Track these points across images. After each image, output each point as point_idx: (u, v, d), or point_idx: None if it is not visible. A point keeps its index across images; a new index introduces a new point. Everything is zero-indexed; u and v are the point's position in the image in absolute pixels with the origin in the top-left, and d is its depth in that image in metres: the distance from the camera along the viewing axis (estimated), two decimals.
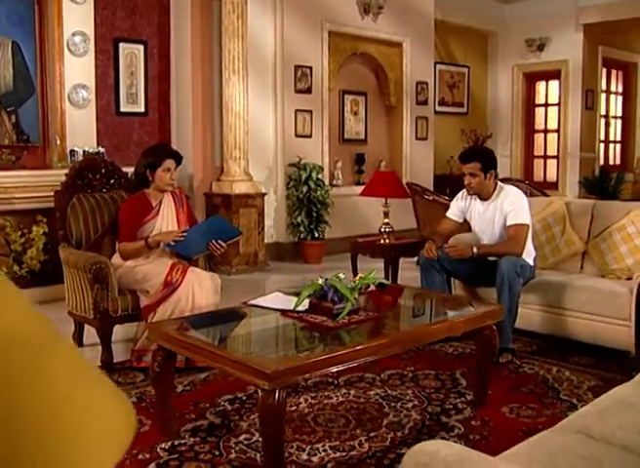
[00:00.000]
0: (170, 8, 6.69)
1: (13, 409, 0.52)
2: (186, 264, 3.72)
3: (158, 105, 6.73)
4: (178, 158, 3.88)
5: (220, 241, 3.74)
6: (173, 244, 3.65)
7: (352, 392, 3.28)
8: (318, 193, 7.12)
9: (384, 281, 3.27)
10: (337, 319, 2.74)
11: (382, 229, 5.26)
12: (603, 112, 11.05)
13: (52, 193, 4.27)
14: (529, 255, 3.97)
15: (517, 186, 4.23)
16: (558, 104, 10.59)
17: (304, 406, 3.10)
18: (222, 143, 6.67)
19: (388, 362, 3.53)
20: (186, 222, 3.90)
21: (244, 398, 3.20)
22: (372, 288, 2.93)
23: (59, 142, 5.55)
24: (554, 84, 10.70)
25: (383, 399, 3.20)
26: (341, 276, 2.88)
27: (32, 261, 5.15)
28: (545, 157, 11.02)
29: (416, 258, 6.03)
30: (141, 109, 6.57)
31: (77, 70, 5.65)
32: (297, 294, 3.00)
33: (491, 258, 3.93)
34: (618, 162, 11.66)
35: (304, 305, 2.85)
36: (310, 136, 7.45)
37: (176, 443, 2.69)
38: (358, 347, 2.49)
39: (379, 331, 2.89)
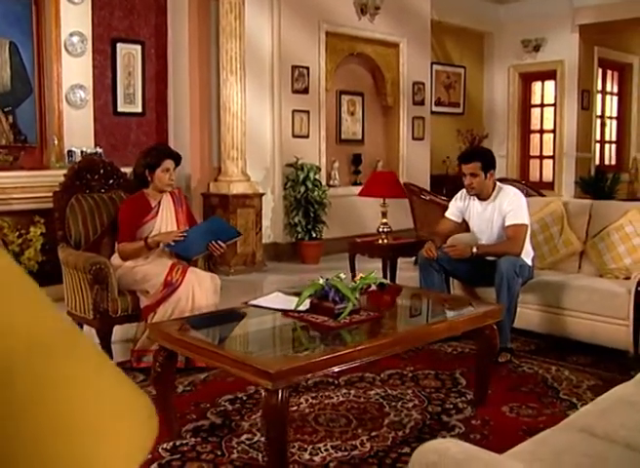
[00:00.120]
0: (167, 8, 6.68)
1: (37, 411, 0.52)
2: (186, 265, 3.72)
3: (155, 106, 6.72)
4: (177, 158, 3.88)
5: (219, 242, 3.74)
6: (172, 244, 3.65)
7: (353, 392, 3.29)
8: (315, 193, 7.13)
9: (385, 281, 3.28)
10: (338, 319, 2.74)
11: (381, 229, 5.27)
12: (599, 112, 11.08)
13: (49, 194, 4.26)
14: (527, 255, 3.98)
15: (514, 186, 4.25)
16: (554, 105, 10.62)
17: (305, 406, 3.10)
18: (220, 144, 6.67)
19: (388, 362, 3.54)
20: (185, 222, 3.90)
21: (244, 398, 3.20)
22: (373, 288, 2.94)
23: (56, 143, 5.54)
24: (550, 84, 10.73)
25: (384, 398, 3.21)
26: (342, 276, 2.88)
27: (30, 262, 5.14)
28: (541, 157, 11.05)
29: (413, 258, 6.08)
30: (139, 109, 6.57)
31: (75, 71, 5.64)
32: (297, 295, 3.00)
33: (489, 258, 3.95)
34: (613, 162, 11.70)
35: (305, 305, 2.86)
36: (307, 137, 7.46)
37: (177, 443, 2.69)
38: (360, 347, 2.49)
39: (380, 330, 2.90)
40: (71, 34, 5.57)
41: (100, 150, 5.56)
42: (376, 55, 8.23)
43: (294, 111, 7.28)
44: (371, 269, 3.83)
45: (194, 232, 3.71)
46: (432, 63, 9.45)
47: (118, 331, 3.85)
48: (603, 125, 11.31)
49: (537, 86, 11.04)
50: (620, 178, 10.44)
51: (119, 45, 6.35)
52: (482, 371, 3.13)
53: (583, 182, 10.04)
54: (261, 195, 6.78)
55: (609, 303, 3.75)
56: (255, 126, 6.91)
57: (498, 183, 4.05)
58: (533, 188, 6.78)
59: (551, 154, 10.78)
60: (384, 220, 5.29)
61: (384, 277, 4.99)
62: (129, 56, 6.43)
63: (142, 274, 3.64)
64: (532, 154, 11.14)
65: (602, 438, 1.76)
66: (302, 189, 7.06)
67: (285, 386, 2.16)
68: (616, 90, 11.71)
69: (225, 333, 2.97)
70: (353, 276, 4.37)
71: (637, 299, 3.62)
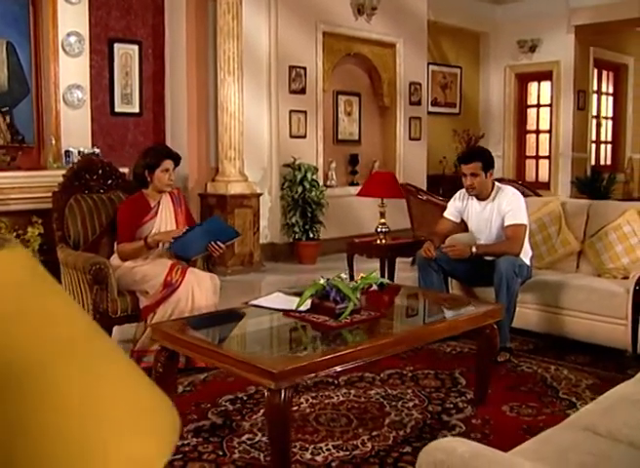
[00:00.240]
0: (164, 8, 6.68)
1: (63, 408, 0.52)
2: (185, 265, 3.72)
3: (153, 106, 6.72)
4: (176, 159, 3.88)
5: (218, 242, 3.74)
6: (172, 241, 3.64)
7: (353, 392, 3.29)
8: (313, 194, 7.13)
9: (386, 281, 3.28)
10: (339, 319, 2.75)
11: (379, 229, 5.27)
12: (594, 113, 11.13)
13: (47, 194, 4.26)
14: (526, 255, 3.99)
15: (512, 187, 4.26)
16: (550, 105, 10.65)
17: (306, 405, 3.11)
18: (217, 144, 6.67)
19: (388, 361, 3.54)
20: (185, 223, 3.90)
21: (245, 398, 3.21)
22: (374, 287, 2.94)
23: (54, 143, 5.53)
24: (546, 85, 10.76)
25: (384, 398, 3.21)
26: (343, 276, 2.89)
27: None
28: (537, 157, 11.08)
29: (410, 259, 6.09)
30: (136, 110, 6.56)
31: (72, 71, 5.63)
32: (297, 295, 3.01)
33: (488, 258, 3.96)
34: (609, 162, 11.75)
35: (306, 305, 2.86)
36: (305, 137, 7.46)
37: (179, 443, 2.69)
38: (362, 347, 2.50)
39: (381, 330, 2.91)
40: (69, 34, 5.56)
41: (97, 150, 5.55)
42: (372, 55, 8.24)
43: (291, 111, 7.28)
44: (368, 269, 3.84)
45: (193, 232, 3.71)
46: (429, 64, 9.47)
47: (118, 332, 3.85)
48: (599, 125, 11.35)
49: (533, 86, 11.08)
50: (615, 178, 10.48)
51: (116, 45, 6.34)
52: (482, 371, 3.14)
53: (579, 182, 10.07)
54: (259, 195, 6.78)
55: (607, 303, 3.77)
56: (252, 126, 6.91)
57: (496, 183, 4.06)
58: (529, 188, 6.78)
59: (547, 154, 10.81)
60: (383, 220, 5.29)
61: (382, 277, 5.00)
62: (126, 56, 6.42)
63: (142, 274, 3.64)
64: (528, 154, 11.18)
65: (605, 436, 1.77)
66: (300, 189, 7.06)
67: (288, 386, 2.16)
68: (611, 90, 11.76)
69: (228, 334, 2.98)
70: (352, 276, 4.38)
71: (635, 299, 3.63)
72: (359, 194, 5.58)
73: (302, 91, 7.38)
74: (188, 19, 6.62)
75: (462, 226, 4.33)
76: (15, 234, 5.12)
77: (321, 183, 7.41)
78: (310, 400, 3.17)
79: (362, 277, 2.95)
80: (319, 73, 7.55)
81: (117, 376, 0.60)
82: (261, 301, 3.10)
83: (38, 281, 0.60)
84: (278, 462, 2.27)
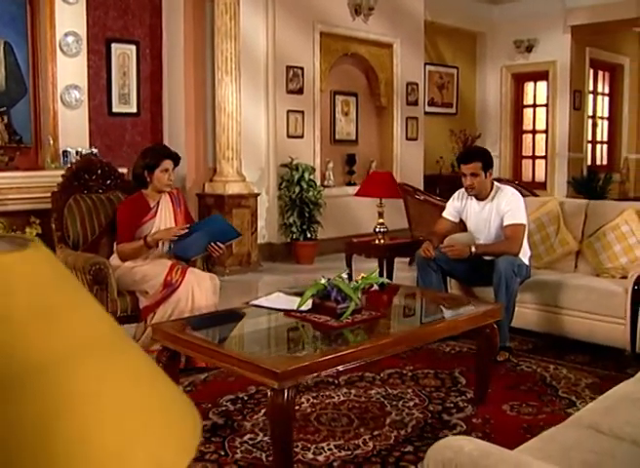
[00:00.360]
0: (162, 8, 6.68)
1: (83, 413, 0.52)
2: (185, 265, 3.72)
3: (150, 106, 6.71)
4: (175, 159, 3.88)
5: (218, 243, 3.74)
6: (174, 244, 3.64)
7: (353, 391, 3.30)
8: (310, 194, 7.13)
9: (386, 280, 3.29)
10: (340, 318, 2.75)
11: (377, 229, 5.27)
12: (590, 113, 11.16)
13: (45, 194, 4.25)
14: (524, 255, 4.01)
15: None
16: (546, 105, 10.68)
17: (307, 405, 3.11)
18: (215, 144, 6.67)
19: (387, 361, 3.55)
20: (184, 223, 3.89)
21: (245, 398, 3.21)
22: (375, 287, 2.95)
23: (51, 143, 5.52)
24: (542, 85, 10.79)
25: (385, 398, 3.22)
26: (344, 276, 2.89)
27: None
28: (534, 157, 11.11)
29: (408, 259, 6.10)
30: (134, 110, 6.56)
31: (69, 71, 5.63)
32: (298, 294, 3.01)
33: (487, 258, 3.97)
34: (604, 162, 11.79)
35: (308, 305, 2.87)
36: (302, 137, 7.46)
37: None
38: (364, 346, 2.51)
39: (383, 330, 2.91)
40: (66, 34, 5.56)
41: (95, 151, 5.55)
42: (369, 55, 8.25)
43: (288, 111, 7.28)
44: (366, 269, 3.84)
45: (196, 234, 3.70)
46: (425, 64, 9.48)
47: None
48: (594, 125, 11.39)
49: (529, 86, 11.10)
50: (611, 178, 10.51)
51: (114, 45, 6.34)
52: (482, 370, 3.15)
53: (576, 182, 10.10)
54: (257, 195, 6.78)
55: (606, 302, 3.78)
56: (249, 126, 6.91)
57: (495, 183, 4.08)
58: (526, 188, 6.81)
59: (544, 154, 10.84)
60: (381, 220, 5.30)
61: (381, 277, 5.01)
62: (124, 56, 6.42)
63: (142, 274, 3.64)
64: (524, 154, 11.21)
65: (608, 435, 1.78)
66: (297, 189, 7.06)
67: (291, 386, 2.17)
68: (607, 90, 11.79)
69: (230, 333, 2.98)
70: (350, 276, 4.38)
71: (634, 298, 3.65)
72: (357, 194, 5.59)
73: (300, 91, 7.38)
74: (186, 19, 6.62)
75: (461, 226, 4.34)
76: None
77: (318, 183, 7.41)
78: (311, 400, 3.18)
79: (363, 277, 2.96)
80: (316, 73, 7.55)
81: (138, 376, 0.60)
82: (262, 301, 3.10)
83: (61, 279, 0.60)
84: (281, 462, 2.27)
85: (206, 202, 6.67)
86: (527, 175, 11.10)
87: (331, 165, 7.95)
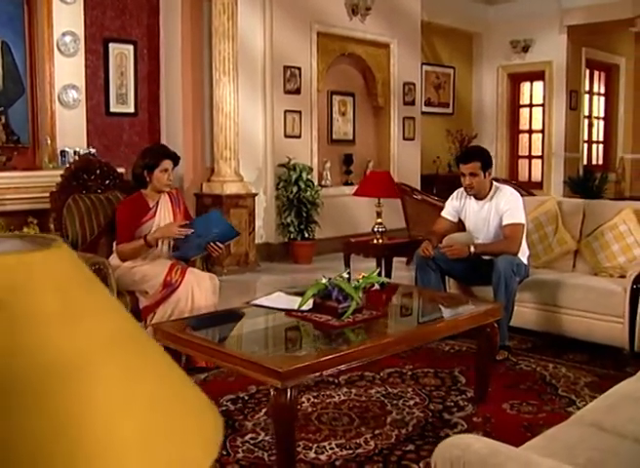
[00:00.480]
0: (159, 8, 6.67)
1: (108, 412, 0.52)
2: (185, 265, 3.72)
3: (148, 106, 6.71)
4: (175, 159, 3.87)
5: (217, 243, 3.74)
6: (181, 238, 3.63)
7: (353, 391, 3.31)
8: (308, 193, 7.13)
9: (386, 280, 3.30)
10: (342, 318, 2.76)
11: (376, 229, 5.28)
12: (586, 113, 11.19)
13: (43, 194, 4.24)
14: (523, 254, 4.02)
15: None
16: (542, 105, 10.71)
17: (307, 405, 3.12)
18: (213, 144, 6.67)
19: (387, 360, 3.55)
20: None
21: (246, 398, 3.21)
22: (376, 287, 2.96)
23: (49, 143, 5.51)
24: (538, 85, 10.81)
25: (385, 397, 3.23)
26: (345, 275, 2.90)
27: None
28: (530, 157, 11.14)
29: (405, 258, 6.11)
30: (131, 110, 6.55)
31: (67, 70, 5.63)
32: (298, 294, 3.01)
33: (486, 257, 3.98)
34: (600, 162, 11.82)
35: (308, 305, 2.87)
36: (299, 137, 7.46)
37: None
38: (366, 346, 2.51)
39: (384, 329, 2.92)
40: (64, 34, 5.55)
41: (93, 150, 5.54)
42: (366, 55, 8.25)
43: (286, 111, 7.28)
44: (364, 269, 3.86)
45: (194, 225, 3.68)
46: (422, 64, 9.49)
47: None
48: (590, 125, 11.42)
49: (525, 86, 11.13)
50: (607, 178, 10.55)
51: (111, 45, 6.33)
52: (482, 369, 3.15)
53: (572, 182, 10.13)
54: (254, 195, 6.78)
55: (604, 301, 3.79)
56: (247, 126, 6.91)
57: (494, 183, 4.09)
58: (522, 188, 6.82)
59: (540, 154, 10.87)
60: (379, 220, 5.31)
61: (379, 276, 5.01)
62: (121, 56, 6.41)
63: (141, 274, 3.63)
64: (520, 154, 11.23)
65: (611, 432, 1.79)
66: (295, 189, 7.06)
67: (294, 385, 2.17)
68: (603, 90, 11.83)
69: (232, 333, 2.98)
70: (349, 276, 4.39)
71: (633, 297, 3.66)
72: (355, 194, 5.59)
73: (297, 91, 7.39)
74: (183, 19, 6.61)
75: (460, 226, 4.34)
76: None
77: (316, 183, 7.42)
78: (312, 399, 3.18)
79: (364, 276, 2.96)
80: (314, 73, 7.56)
81: (161, 375, 0.61)
82: (263, 301, 3.10)
83: (83, 279, 0.60)
84: (283, 461, 2.28)
85: (204, 202, 6.67)
86: (523, 175, 11.13)
87: (328, 165, 7.96)
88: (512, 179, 9.80)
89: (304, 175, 7.11)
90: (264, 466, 2.54)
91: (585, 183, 9.99)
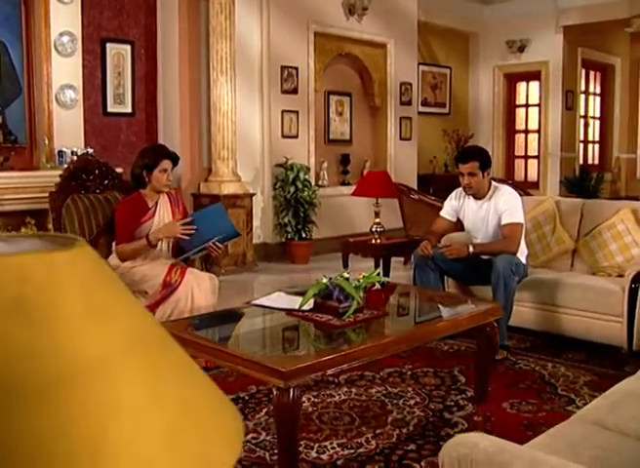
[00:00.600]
0: (157, 8, 6.67)
1: (130, 412, 0.53)
2: (184, 265, 3.72)
3: (145, 106, 6.70)
4: (174, 159, 3.87)
5: (217, 243, 3.74)
6: (186, 238, 3.62)
7: (354, 390, 3.31)
8: (305, 193, 7.14)
9: (387, 279, 3.30)
10: (343, 317, 2.76)
11: (374, 229, 5.29)
12: (582, 113, 11.23)
13: (40, 194, 4.24)
14: (521, 254, 4.03)
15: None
16: (539, 105, 10.74)
17: (308, 404, 3.12)
18: (210, 144, 6.66)
19: (387, 360, 3.55)
20: None
21: (247, 398, 3.21)
22: (377, 286, 2.96)
23: (47, 143, 5.50)
24: (535, 85, 10.84)
25: (385, 396, 3.23)
26: (346, 275, 2.90)
27: None
28: (526, 157, 11.17)
29: (402, 258, 6.12)
30: (129, 110, 6.54)
31: (64, 70, 5.62)
32: (298, 294, 3.02)
33: (484, 257, 3.99)
34: (596, 162, 11.86)
35: (309, 304, 2.87)
36: (297, 137, 7.47)
37: None
38: (368, 345, 2.52)
39: (385, 329, 2.93)
40: (61, 34, 5.54)
41: (91, 151, 5.53)
42: (363, 55, 8.26)
43: (283, 111, 7.29)
44: (362, 269, 3.86)
45: (196, 220, 3.67)
46: (419, 64, 9.51)
47: None
48: (586, 125, 11.46)
49: (521, 86, 11.16)
50: (603, 178, 10.58)
51: (109, 45, 6.32)
52: (482, 369, 3.16)
53: (568, 182, 10.16)
54: (252, 195, 6.78)
55: (603, 300, 3.81)
56: (244, 126, 6.91)
57: (493, 183, 4.10)
58: (519, 188, 6.83)
59: (536, 154, 10.90)
60: (377, 220, 5.31)
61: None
62: (118, 56, 6.40)
63: (141, 275, 3.63)
64: (517, 154, 11.26)
65: (614, 431, 1.80)
66: (292, 189, 7.07)
67: (297, 385, 2.18)
68: (598, 90, 11.86)
69: (233, 333, 2.98)
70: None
71: (631, 297, 3.68)
72: (354, 194, 5.60)
73: (294, 91, 7.39)
74: (181, 19, 6.61)
75: (459, 225, 4.35)
76: None
77: (313, 183, 7.42)
78: (312, 399, 3.19)
79: (364, 276, 2.97)
80: (311, 73, 7.56)
81: (184, 374, 0.61)
82: (264, 301, 3.10)
83: (107, 278, 0.61)
84: (286, 461, 2.28)
85: (201, 202, 6.66)
86: (519, 175, 11.16)
87: (325, 165, 7.96)
88: (508, 179, 9.83)
89: (302, 174, 7.11)
90: (266, 466, 2.54)
91: (581, 183, 10.03)
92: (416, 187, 8.38)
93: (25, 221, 5.22)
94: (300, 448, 2.62)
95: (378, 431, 2.83)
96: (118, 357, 0.54)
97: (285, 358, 2.43)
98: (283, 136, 7.32)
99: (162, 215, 3.84)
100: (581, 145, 11.32)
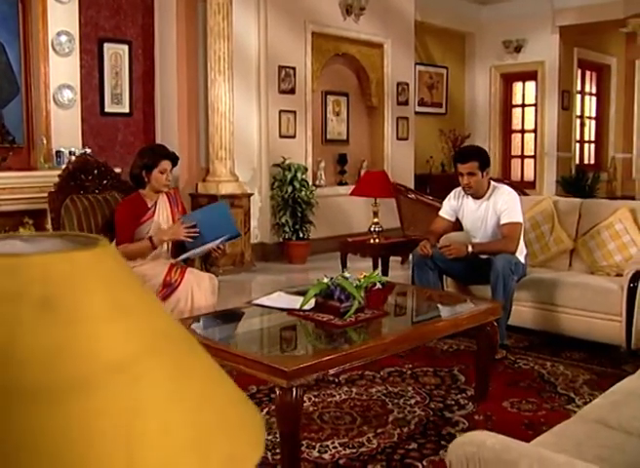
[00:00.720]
0: (154, 8, 6.66)
1: (156, 412, 0.53)
2: (184, 265, 3.72)
3: (143, 106, 6.69)
4: (173, 159, 3.87)
5: (218, 245, 3.74)
6: (190, 241, 3.62)
7: (354, 390, 3.32)
8: (303, 193, 7.14)
9: (387, 279, 3.31)
10: (344, 317, 2.77)
11: (372, 229, 5.30)
12: (578, 113, 11.26)
13: (39, 195, 4.23)
14: (520, 253, 4.04)
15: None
16: (535, 105, 10.76)
17: (309, 404, 3.12)
18: (208, 144, 6.66)
19: (387, 359, 3.55)
20: None
21: None
22: (378, 286, 2.97)
23: (44, 143, 5.49)
24: (531, 85, 10.87)
25: (386, 396, 3.24)
26: (347, 275, 2.91)
27: None
28: (523, 157, 11.20)
29: (400, 258, 6.12)
30: (126, 110, 6.53)
31: (62, 70, 5.61)
32: (299, 294, 3.02)
33: (483, 257, 4.00)
34: (592, 161, 11.90)
35: (310, 304, 2.88)
36: (294, 137, 7.47)
37: None
38: (369, 345, 2.53)
39: (387, 328, 2.93)
40: (59, 34, 5.53)
41: (88, 151, 5.52)
42: (360, 55, 8.27)
43: (280, 111, 7.29)
44: (360, 268, 3.87)
45: (199, 216, 3.67)
46: (415, 64, 9.52)
47: None
48: (582, 125, 11.50)
49: (518, 86, 11.19)
50: (599, 177, 10.62)
51: (106, 45, 6.31)
52: (482, 368, 3.17)
53: (565, 181, 10.19)
54: (250, 195, 6.78)
55: (602, 300, 3.82)
56: (242, 126, 6.91)
57: (492, 182, 4.11)
58: (516, 187, 6.84)
59: (532, 154, 10.93)
60: (376, 220, 5.32)
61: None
62: (116, 55, 6.39)
63: (141, 275, 3.61)
64: (513, 154, 11.29)
65: (617, 429, 1.81)
66: (290, 189, 7.07)
67: (299, 384, 2.18)
68: (594, 90, 11.90)
69: (235, 333, 2.98)
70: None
71: (629, 296, 3.69)
72: (352, 194, 5.60)
73: (292, 91, 7.39)
74: (178, 19, 6.60)
75: (458, 225, 4.36)
76: None
77: (310, 183, 7.43)
78: (313, 398, 3.19)
79: (365, 276, 2.97)
80: (308, 73, 7.57)
81: (208, 373, 0.61)
82: (264, 301, 3.10)
83: (130, 278, 0.61)
84: (288, 461, 2.28)
85: (199, 202, 6.65)
86: (516, 175, 11.19)
87: (322, 165, 7.97)
88: (505, 179, 9.85)
89: (299, 174, 7.11)
90: (268, 465, 2.54)
91: (578, 183, 10.06)
92: (413, 187, 8.39)
93: (23, 221, 5.21)
94: (302, 448, 2.62)
95: (379, 430, 2.84)
96: (144, 355, 0.54)
97: (287, 358, 2.43)
98: (280, 136, 7.32)
99: (161, 215, 3.83)
100: (578, 145, 11.35)
